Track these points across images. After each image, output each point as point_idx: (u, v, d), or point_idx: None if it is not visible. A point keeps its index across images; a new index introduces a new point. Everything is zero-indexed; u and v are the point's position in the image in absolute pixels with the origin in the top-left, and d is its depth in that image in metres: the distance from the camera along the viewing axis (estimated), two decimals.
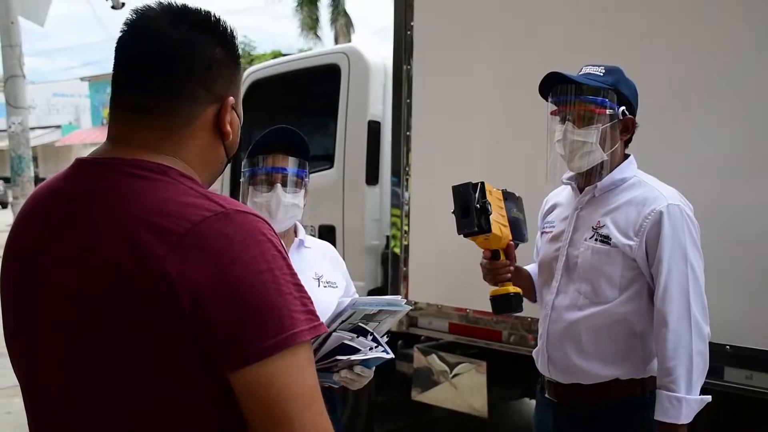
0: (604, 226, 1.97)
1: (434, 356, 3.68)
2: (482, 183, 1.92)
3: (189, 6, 1.13)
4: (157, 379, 1.00)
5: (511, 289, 1.97)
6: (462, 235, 1.93)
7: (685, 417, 1.85)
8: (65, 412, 1.07)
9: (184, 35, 1.09)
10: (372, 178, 3.98)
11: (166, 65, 1.09)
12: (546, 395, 2.13)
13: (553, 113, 2.01)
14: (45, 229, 1.07)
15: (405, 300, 1.97)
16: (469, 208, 1.88)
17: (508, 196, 2.04)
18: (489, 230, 1.89)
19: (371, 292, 3.90)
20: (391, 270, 3.73)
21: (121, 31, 1.12)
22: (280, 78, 4.52)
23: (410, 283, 3.61)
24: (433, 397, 3.73)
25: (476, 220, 1.88)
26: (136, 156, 1.07)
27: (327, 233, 4.09)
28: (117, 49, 1.12)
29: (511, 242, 1.99)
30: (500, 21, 3.16)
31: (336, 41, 22.55)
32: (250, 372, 0.97)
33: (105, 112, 35.52)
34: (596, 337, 1.98)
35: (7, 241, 1.12)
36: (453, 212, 1.92)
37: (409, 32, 3.53)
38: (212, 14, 1.14)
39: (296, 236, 2.18)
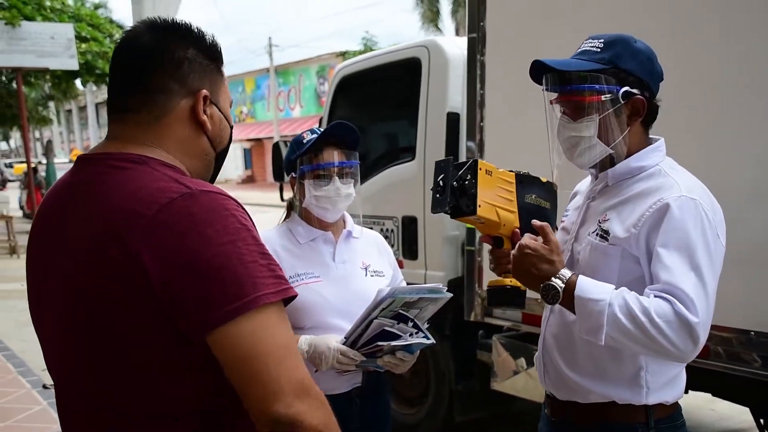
0: (608, 219, 1.70)
1: (513, 346, 3.68)
2: (474, 161, 1.71)
3: (169, 19, 1.27)
4: (136, 355, 1.13)
5: (508, 281, 1.79)
6: (450, 216, 1.74)
7: (568, 305, 1.61)
8: (68, 384, 1.23)
9: (156, 39, 1.24)
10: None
11: (140, 65, 1.23)
12: (545, 410, 1.93)
13: (551, 102, 1.76)
14: (53, 216, 1.24)
15: (446, 288, 1.98)
16: (445, 185, 1.71)
17: (526, 180, 1.82)
18: (471, 211, 1.70)
19: (451, 282, 3.94)
20: (466, 260, 3.76)
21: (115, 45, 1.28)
22: (367, 73, 4.64)
23: (484, 272, 3.62)
24: (511, 387, 3.73)
25: (449, 198, 1.70)
26: (123, 150, 1.22)
27: (409, 224, 4.17)
28: (111, 61, 1.28)
29: (517, 230, 1.78)
30: (571, 9, 3.12)
31: (457, 33, 22.46)
32: (220, 334, 1.08)
33: (237, 110, 37.35)
34: (590, 349, 1.72)
35: (32, 226, 1.30)
36: (431, 189, 1.75)
37: (482, 23, 3.54)
38: (188, 23, 1.27)
39: (345, 227, 2.27)
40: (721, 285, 2.00)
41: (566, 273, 1.64)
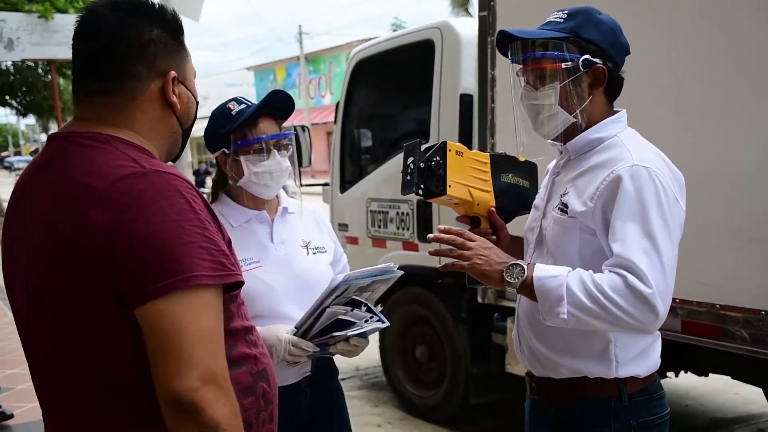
0: (567, 193, 1.71)
1: None
2: (443, 142, 1.74)
3: None
4: (89, 323, 1.16)
5: None
6: (423, 198, 1.76)
7: (528, 290, 1.62)
8: (37, 356, 1.27)
9: (120, 21, 1.24)
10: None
11: (108, 51, 1.25)
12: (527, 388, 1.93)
13: (517, 74, 1.78)
14: (23, 193, 1.27)
15: (396, 266, 1.95)
16: (413, 167, 1.73)
17: (503, 161, 1.87)
18: (441, 192, 1.72)
19: None
20: None
21: (74, 26, 1.28)
22: (382, 56, 4.63)
23: None
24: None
25: (417, 179, 1.72)
26: (90, 129, 1.24)
27: (424, 207, 4.16)
28: (72, 43, 1.29)
29: (493, 209, 1.81)
30: None
31: None
32: (147, 309, 1.10)
33: None
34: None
35: (8, 203, 1.34)
36: (401, 171, 1.77)
37: (492, 2, 3.51)
38: (149, 1, 1.28)
39: (279, 204, 2.13)
40: (742, 265, 1.92)
41: (524, 261, 1.67)
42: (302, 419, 2.02)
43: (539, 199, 1.87)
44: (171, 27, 1.30)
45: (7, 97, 20.29)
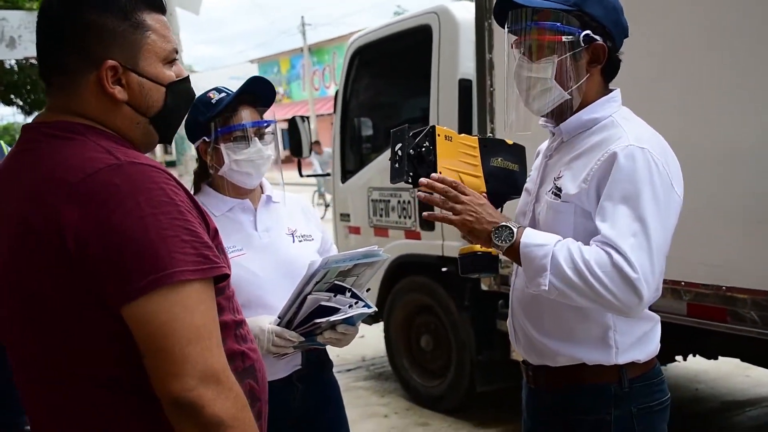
0: (561, 176, 1.65)
1: None
2: (432, 127, 1.68)
3: None
4: (62, 321, 1.12)
5: (478, 247, 1.72)
6: (412, 186, 1.69)
7: (514, 254, 1.57)
8: (14, 353, 1.23)
9: (61, 8, 1.18)
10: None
11: (47, 42, 1.20)
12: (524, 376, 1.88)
13: (512, 46, 1.70)
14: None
15: (381, 249, 1.88)
16: (402, 155, 1.67)
17: (491, 144, 1.81)
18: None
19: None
20: None
21: None
22: (379, 44, 4.57)
23: None
24: None
25: (407, 166, 1.65)
26: (58, 118, 1.19)
27: None
28: None
29: (484, 193, 1.74)
30: None
31: None
32: (133, 308, 1.06)
33: None
34: (555, 310, 1.67)
35: None
36: (390, 159, 1.72)
37: None
38: None
39: (263, 192, 2.08)
40: (748, 246, 1.82)
41: (515, 223, 1.62)
42: (294, 414, 1.97)
43: (531, 183, 1.82)
44: (118, 8, 1.20)
45: (12, 96, 20.31)
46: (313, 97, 32.43)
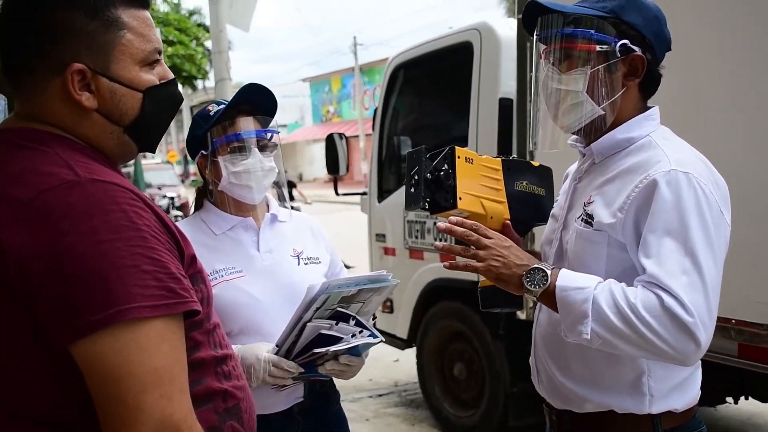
0: (593, 201, 1.49)
1: None
2: (451, 148, 1.53)
3: None
4: (7, 356, 0.99)
5: None
6: (429, 212, 1.54)
7: (549, 299, 1.40)
8: None
9: (25, 4, 1.07)
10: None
11: (8, 39, 1.08)
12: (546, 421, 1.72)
13: (541, 55, 1.55)
14: None
15: (390, 274, 1.72)
16: (419, 179, 1.52)
17: (515, 166, 1.65)
18: (451, 205, 1.51)
19: None
20: None
21: None
22: (419, 61, 4.46)
23: None
24: None
25: (424, 192, 1.50)
26: (23, 125, 1.08)
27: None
28: None
29: (508, 222, 1.59)
30: None
31: None
32: (81, 348, 0.93)
33: (324, 110, 37.87)
34: (583, 351, 1.50)
35: None
36: (404, 183, 1.56)
37: None
38: None
39: (268, 210, 1.94)
40: None
41: (547, 265, 1.46)
42: None
43: (558, 208, 1.66)
44: (87, 4, 1.06)
45: None
46: (363, 116, 32.57)
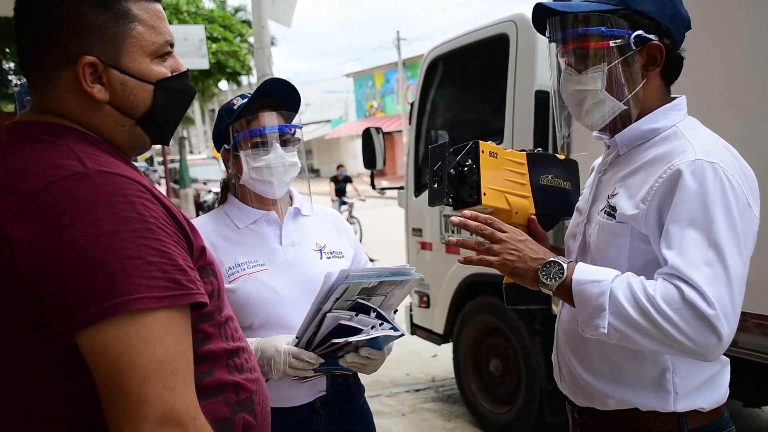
0: (616, 194, 1.46)
1: None
2: (475, 142, 1.52)
3: None
4: (3, 350, 1.00)
5: None
6: (453, 208, 1.54)
7: (566, 293, 1.38)
8: None
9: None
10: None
11: (19, 35, 1.09)
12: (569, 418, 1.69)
13: (558, 55, 1.53)
14: None
15: (414, 268, 1.70)
16: (442, 174, 1.51)
17: (540, 160, 1.62)
18: (475, 201, 1.49)
19: None
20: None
21: None
22: (456, 54, 4.42)
23: None
24: None
25: (447, 188, 1.50)
26: (37, 119, 1.10)
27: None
28: None
29: (533, 217, 1.58)
30: None
31: None
32: (84, 339, 0.94)
33: (368, 105, 37.92)
34: (605, 347, 1.48)
35: None
36: (428, 179, 1.56)
37: None
38: None
39: (292, 204, 1.94)
40: None
41: (564, 258, 1.43)
42: None
43: (583, 201, 1.63)
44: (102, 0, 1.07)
45: None
46: (406, 111, 32.52)
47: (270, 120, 1.81)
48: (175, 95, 1.18)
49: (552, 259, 1.42)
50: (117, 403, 0.94)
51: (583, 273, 1.38)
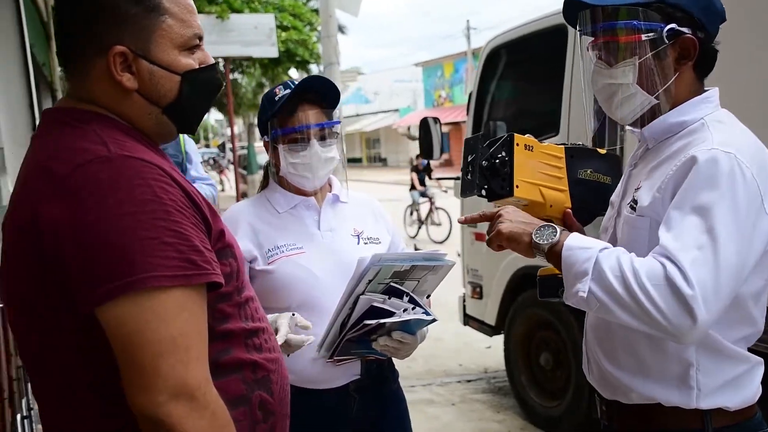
0: (640, 187, 1.45)
1: None
2: (510, 135, 1.53)
3: None
4: (37, 322, 1.08)
5: None
6: (487, 199, 1.55)
7: (556, 258, 1.38)
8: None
9: None
10: (600, 143, 3.66)
11: (59, 25, 1.16)
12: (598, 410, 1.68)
13: (588, 48, 1.52)
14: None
15: (447, 254, 1.72)
16: (474, 165, 1.52)
17: (579, 153, 1.61)
18: (507, 193, 1.51)
19: None
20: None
21: None
22: (514, 44, 4.38)
23: None
24: None
25: (479, 179, 1.51)
26: (72, 105, 1.17)
27: None
28: None
29: (569, 210, 1.57)
30: None
31: None
32: (102, 314, 1.00)
33: (436, 94, 37.77)
34: (629, 337, 1.46)
35: None
36: (461, 170, 1.57)
37: None
38: None
39: (330, 190, 2.00)
40: None
41: (561, 226, 1.46)
42: (353, 425, 1.88)
43: (615, 195, 1.62)
44: None
45: None
46: None
47: (308, 117, 1.85)
48: (201, 86, 1.22)
49: (546, 223, 1.45)
50: (132, 376, 1.00)
51: (575, 240, 1.40)
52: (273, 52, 14.18)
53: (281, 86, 1.92)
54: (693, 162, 1.33)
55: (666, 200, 1.38)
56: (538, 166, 1.57)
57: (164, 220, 1.02)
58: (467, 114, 4.87)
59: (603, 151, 1.68)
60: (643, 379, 1.47)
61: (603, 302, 1.32)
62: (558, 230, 1.42)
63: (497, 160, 1.53)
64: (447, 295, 5.94)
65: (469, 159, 1.57)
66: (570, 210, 1.61)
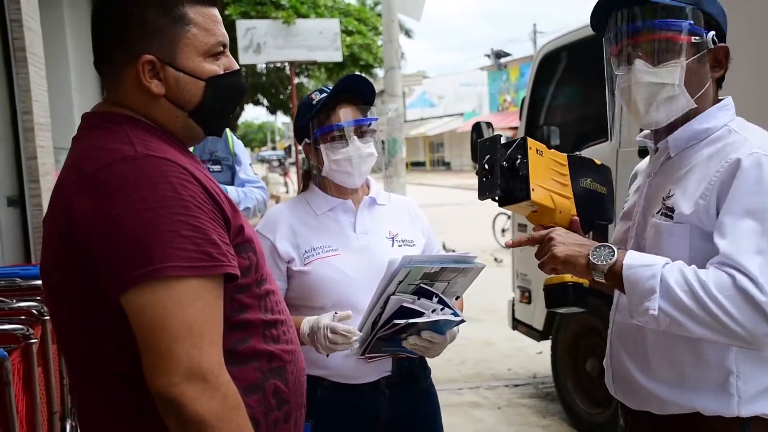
0: (672, 195, 1.45)
1: None
2: (523, 138, 1.52)
3: None
4: (75, 313, 1.18)
5: (568, 278, 1.54)
6: (498, 203, 1.53)
7: (616, 278, 1.37)
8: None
9: (106, 3, 1.23)
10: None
11: (95, 31, 1.26)
12: (621, 421, 1.66)
13: (613, 54, 1.52)
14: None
15: (477, 256, 1.75)
16: (492, 167, 1.51)
17: (579, 163, 1.62)
18: (524, 196, 1.49)
19: None
20: None
21: None
22: (567, 49, 4.37)
23: None
24: None
25: (499, 180, 1.49)
26: (104, 109, 1.27)
27: None
28: None
29: (575, 218, 1.56)
30: None
31: None
32: (125, 300, 1.10)
33: (501, 99, 37.47)
34: (666, 347, 1.46)
35: None
36: (477, 172, 1.57)
37: None
38: None
39: (368, 193, 2.06)
40: None
41: (615, 246, 1.44)
42: (382, 420, 1.94)
43: (630, 206, 1.62)
44: (160, 2, 1.21)
45: (259, 97, 22.47)
46: None
47: (346, 115, 1.94)
48: (226, 91, 1.31)
49: (602, 244, 1.44)
50: (150, 358, 1.09)
51: (634, 258, 1.39)
52: (337, 57, 14.39)
53: (317, 92, 2.01)
54: (737, 166, 1.35)
55: (711, 207, 1.38)
56: (548, 172, 1.57)
57: (183, 215, 1.11)
58: (519, 119, 4.87)
59: (599, 163, 1.69)
60: (681, 388, 1.46)
61: (674, 318, 1.33)
62: (615, 250, 1.41)
63: (515, 162, 1.53)
64: (500, 301, 5.96)
65: (486, 161, 1.56)
66: (577, 218, 1.60)
